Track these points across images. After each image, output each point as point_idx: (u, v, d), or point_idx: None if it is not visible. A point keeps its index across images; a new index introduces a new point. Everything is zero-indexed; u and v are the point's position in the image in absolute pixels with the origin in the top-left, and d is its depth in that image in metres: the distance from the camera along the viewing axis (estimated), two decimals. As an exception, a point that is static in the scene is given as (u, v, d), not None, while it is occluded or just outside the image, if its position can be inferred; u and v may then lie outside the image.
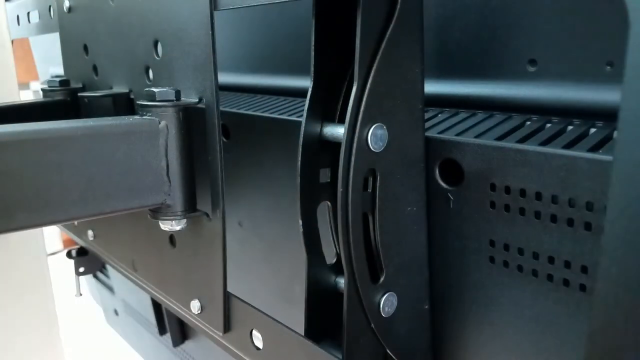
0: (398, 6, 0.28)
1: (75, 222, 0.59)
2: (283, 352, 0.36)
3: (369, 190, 0.31)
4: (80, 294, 0.87)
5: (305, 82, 0.31)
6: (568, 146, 0.30)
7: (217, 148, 0.35)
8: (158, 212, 0.37)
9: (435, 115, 0.39)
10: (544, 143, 0.30)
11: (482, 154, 0.31)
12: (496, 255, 0.32)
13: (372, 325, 0.31)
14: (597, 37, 0.33)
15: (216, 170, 0.36)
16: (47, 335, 0.70)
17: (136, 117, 0.35)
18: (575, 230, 0.29)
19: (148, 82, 0.42)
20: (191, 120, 0.36)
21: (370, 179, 0.31)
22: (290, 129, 0.43)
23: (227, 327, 0.40)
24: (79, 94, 0.49)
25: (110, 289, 1.07)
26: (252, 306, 0.38)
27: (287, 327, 0.35)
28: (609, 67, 0.33)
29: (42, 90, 0.53)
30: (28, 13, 0.70)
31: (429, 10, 0.30)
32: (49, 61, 0.99)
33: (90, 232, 0.58)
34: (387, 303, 0.31)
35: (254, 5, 0.32)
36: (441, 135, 0.34)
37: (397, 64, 0.29)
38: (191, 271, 0.42)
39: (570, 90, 0.35)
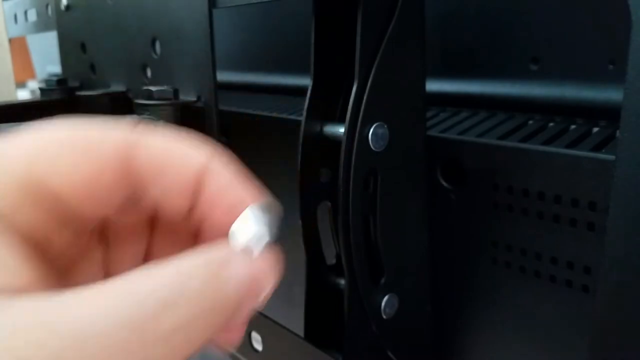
0: (399, 3, 0.28)
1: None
2: (282, 355, 0.36)
3: (370, 190, 0.30)
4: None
5: (305, 81, 0.31)
6: (571, 145, 0.29)
7: (216, 147, 0.35)
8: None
9: (437, 114, 0.39)
10: (546, 142, 0.30)
11: (485, 153, 0.31)
12: (499, 256, 0.32)
13: (373, 327, 0.31)
14: (600, 35, 0.33)
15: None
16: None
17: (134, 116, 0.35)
18: (578, 231, 0.28)
19: (146, 81, 0.42)
20: (190, 120, 0.36)
21: (371, 179, 0.30)
22: (290, 128, 0.42)
23: (225, 329, 0.40)
24: (77, 93, 0.49)
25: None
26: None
27: (286, 329, 0.35)
28: (611, 66, 0.33)
29: (40, 89, 0.53)
30: (25, 11, 0.70)
31: (430, 7, 0.30)
32: (46, 60, 0.99)
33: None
34: (388, 304, 0.31)
35: (253, 3, 0.31)
36: (443, 135, 0.34)
37: (398, 62, 0.29)
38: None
39: (573, 89, 0.34)
